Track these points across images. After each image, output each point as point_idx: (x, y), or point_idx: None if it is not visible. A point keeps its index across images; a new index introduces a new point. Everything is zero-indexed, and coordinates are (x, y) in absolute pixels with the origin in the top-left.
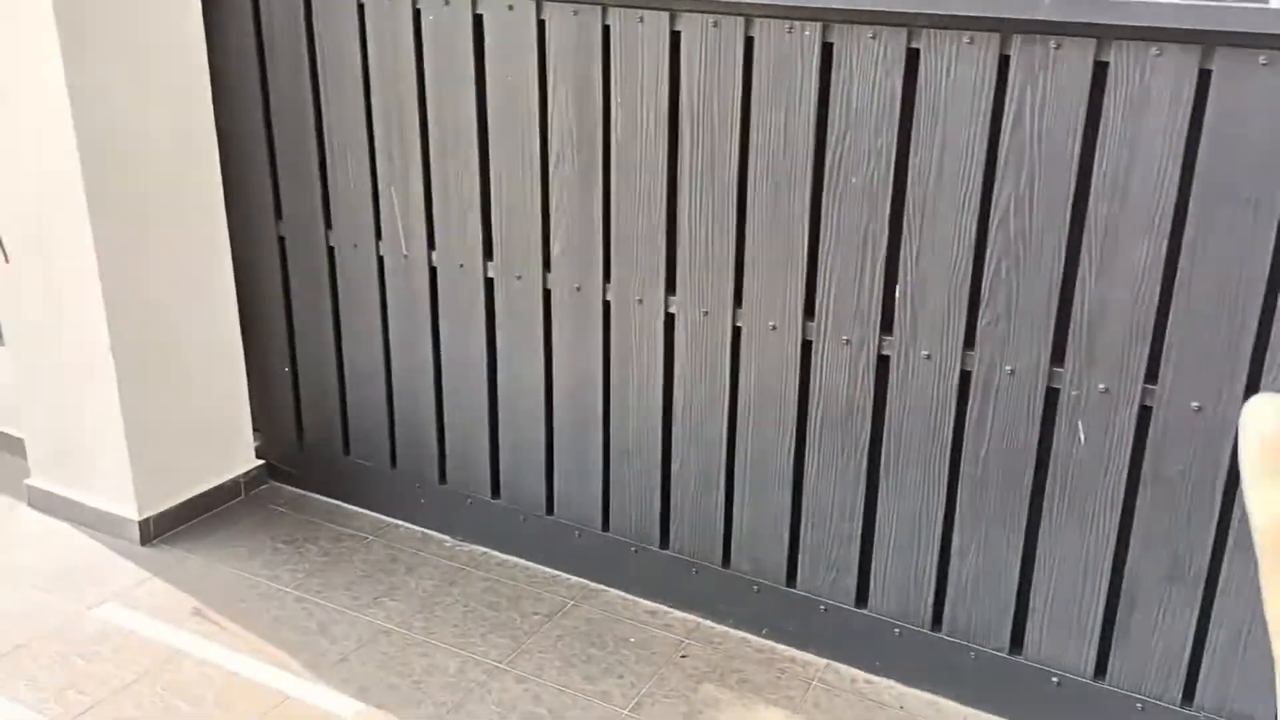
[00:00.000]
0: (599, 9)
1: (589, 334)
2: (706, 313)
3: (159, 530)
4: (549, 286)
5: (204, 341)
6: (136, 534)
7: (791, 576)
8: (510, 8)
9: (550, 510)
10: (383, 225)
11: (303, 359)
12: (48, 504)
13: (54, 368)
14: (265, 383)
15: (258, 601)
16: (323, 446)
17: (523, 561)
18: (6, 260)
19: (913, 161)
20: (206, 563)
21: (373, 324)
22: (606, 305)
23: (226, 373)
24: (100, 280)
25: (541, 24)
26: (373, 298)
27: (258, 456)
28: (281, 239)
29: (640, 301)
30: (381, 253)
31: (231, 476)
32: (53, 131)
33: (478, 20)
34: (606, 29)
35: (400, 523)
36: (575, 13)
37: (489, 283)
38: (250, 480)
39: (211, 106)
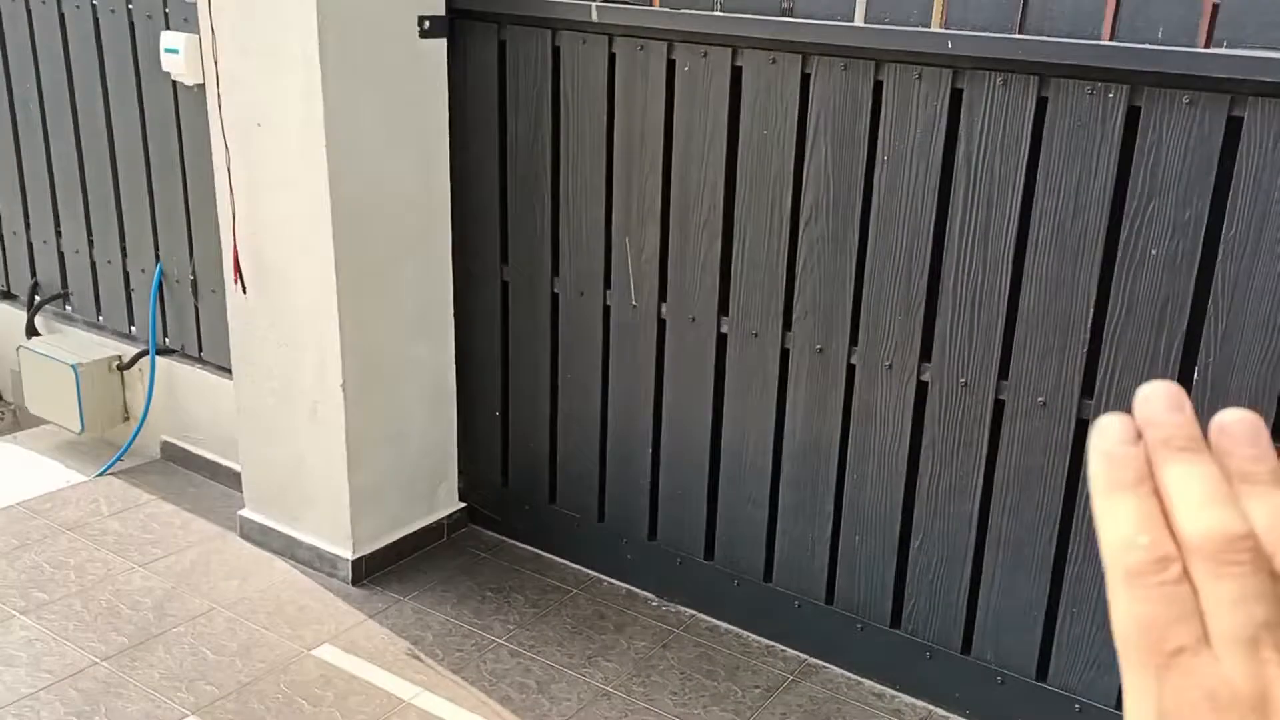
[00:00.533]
0: (872, 64)
1: (828, 397)
2: (965, 383)
3: (369, 570)
4: (787, 346)
5: (421, 381)
6: (349, 573)
7: (1043, 670)
8: (773, 61)
9: (768, 577)
10: (613, 274)
11: (514, 404)
12: (260, 537)
13: (280, 402)
14: (472, 425)
15: (474, 652)
16: (527, 493)
17: (735, 628)
18: (245, 292)
19: (1225, 234)
20: (419, 608)
21: (592, 373)
22: (850, 369)
23: (439, 414)
24: (338, 317)
25: (806, 78)
26: (595, 347)
27: (460, 499)
28: (505, 284)
29: (890, 367)
30: (609, 302)
31: (436, 518)
32: (308, 171)
33: (736, 73)
34: (879, 84)
35: (604, 577)
36: (844, 68)
37: (721, 338)
38: (452, 523)
39: (448, 150)
